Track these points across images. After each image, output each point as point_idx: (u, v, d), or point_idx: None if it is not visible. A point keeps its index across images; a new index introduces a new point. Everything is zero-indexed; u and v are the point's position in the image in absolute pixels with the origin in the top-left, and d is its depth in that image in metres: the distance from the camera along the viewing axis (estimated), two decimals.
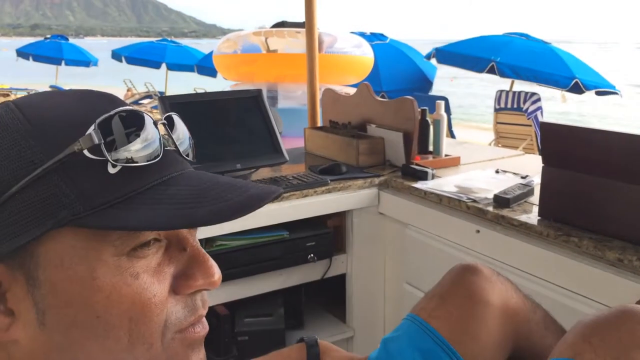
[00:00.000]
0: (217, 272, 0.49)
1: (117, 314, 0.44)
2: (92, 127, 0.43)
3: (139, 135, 0.44)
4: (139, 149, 0.44)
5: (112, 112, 0.44)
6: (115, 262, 0.44)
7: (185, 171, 0.49)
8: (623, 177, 1.23)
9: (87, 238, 0.43)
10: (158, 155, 0.45)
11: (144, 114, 0.46)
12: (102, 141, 0.43)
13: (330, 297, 2.09)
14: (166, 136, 0.48)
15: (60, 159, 0.42)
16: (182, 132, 0.50)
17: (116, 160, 0.43)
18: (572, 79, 6.13)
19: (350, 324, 2.01)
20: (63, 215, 0.42)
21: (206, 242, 1.67)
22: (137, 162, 0.44)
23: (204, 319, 0.51)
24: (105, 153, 0.43)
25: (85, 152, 0.42)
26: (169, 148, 0.47)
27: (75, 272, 0.43)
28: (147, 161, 0.45)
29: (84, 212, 0.42)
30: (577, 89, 6.15)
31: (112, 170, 0.43)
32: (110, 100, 0.47)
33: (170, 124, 0.49)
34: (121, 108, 0.45)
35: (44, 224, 0.42)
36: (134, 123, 0.45)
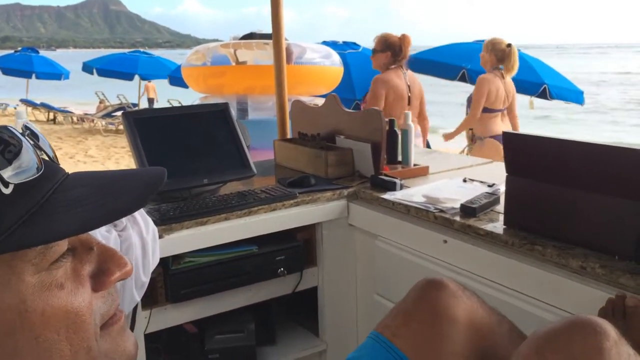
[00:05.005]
0: (128, 261, 0.50)
1: (54, 328, 0.44)
2: None
3: (11, 151, 0.42)
4: (25, 162, 0.42)
5: None
6: (38, 280, 0.43)
7: (69, 174, 0.48)
8: (581, 185, 1.24)
9: (4, 264, 0.42)
10: (42, 164, 0.44)
11: (8, 127, 0.44)
12: None
13: (302, 311, 2.07)
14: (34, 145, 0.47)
15: None
16: (43, 138, 0.49)
17: (7, 180, 0.41)
18: (541, 85, 6.23)
19: (322, 337, 2.00)
20: None
21: (173, 259, 1.65)
22: (27, 177, 0.42)
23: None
24: (1, 176, 0.41)
25: None
26: (42, 156, 0.47)
27: (2, 302, 0.42)
28: (37, 172, 0.43)
29: None
30: (545, 95, 6.25)
31: (6, 191, 0.41)
32: None
33: (32, 134, 0.48)
34: None
35: None
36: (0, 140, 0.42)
